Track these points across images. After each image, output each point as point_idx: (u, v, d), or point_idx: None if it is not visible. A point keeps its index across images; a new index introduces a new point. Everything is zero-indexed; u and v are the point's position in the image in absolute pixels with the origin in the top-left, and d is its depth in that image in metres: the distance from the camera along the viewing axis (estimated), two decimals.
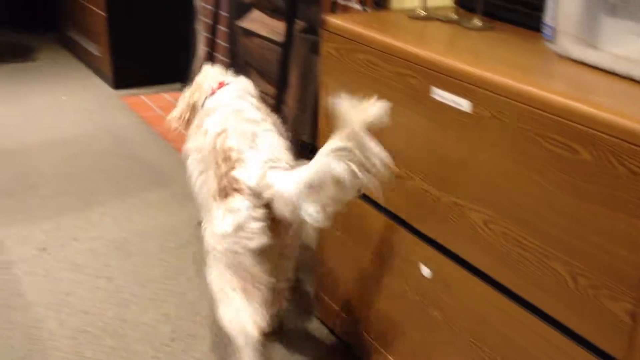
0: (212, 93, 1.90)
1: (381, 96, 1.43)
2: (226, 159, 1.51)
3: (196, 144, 1.72)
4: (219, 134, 1.57)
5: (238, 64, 3.29)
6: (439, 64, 1.28)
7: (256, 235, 1.44)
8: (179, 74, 3.67)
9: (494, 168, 1.20)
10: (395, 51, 1.38)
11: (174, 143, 3.03)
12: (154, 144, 3.03)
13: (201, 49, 3.53)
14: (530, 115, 1.10)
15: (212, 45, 3.39)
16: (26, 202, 2.48)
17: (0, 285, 1.99)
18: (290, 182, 1.36)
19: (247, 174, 1.45)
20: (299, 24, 2.75)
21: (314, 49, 2.71)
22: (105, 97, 3.59)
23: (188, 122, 1.95)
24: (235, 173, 1.46)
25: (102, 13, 3.60)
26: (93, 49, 3.86)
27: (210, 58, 3.42)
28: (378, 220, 1.53)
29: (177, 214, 2.44)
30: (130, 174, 2.74)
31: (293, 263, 1.65)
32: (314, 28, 2.72)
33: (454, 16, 1.55)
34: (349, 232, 1.65)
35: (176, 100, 3.58)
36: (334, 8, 2.48)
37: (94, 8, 3.70)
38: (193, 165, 1.73)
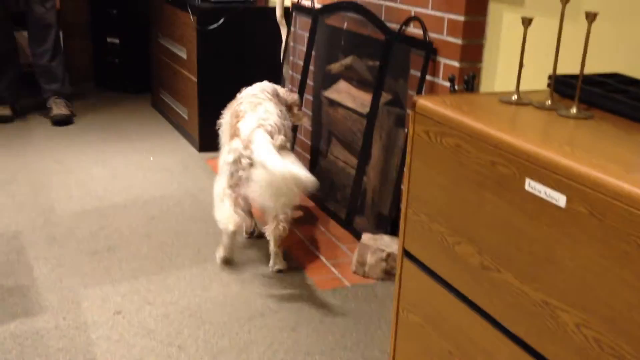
0: (239, 91, 2.68)
1: (470, 183, 1.37)
2: (236, 116, 2.40)
3: (226, 119, 2.60)
4: (237, 105, 2.48)
5: (322, 134, 3.29)
6: (534, 155, 1.21)
7: (245, 168, 2.26)
8: None
9: (589, 268, 1.11)
10: (487, 138, 1.33)
11: (253, 209, 3.04)
12: None
13: None
14: (631, 217, 1.02)
15: None
16: (105, 263, 2.52)
17: (74, 348, 2.00)
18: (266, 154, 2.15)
19: (244, 126, 2.32)
20: (385, 97, 2.74)
21: (399, 121, 2.68)
22: (191, 159, 3.66)
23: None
24: (238, 124, 2.35)
25: (194, 78, 3.71)
26: (182, 111, 3.97)
27: (294, 126, 3.44)
28: (460, 311, 1.45)
29: (250, 283, 2.41)
30: (208, 239, 2.75)
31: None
32: (400, 101, 2.69)
33: (549, 102, 1.48)
34: (429, 319, 1.57)
35: None
36: (421, 83, 2.45)
37: (187, 73, 3.82)
38: (223, 129, 2.62)
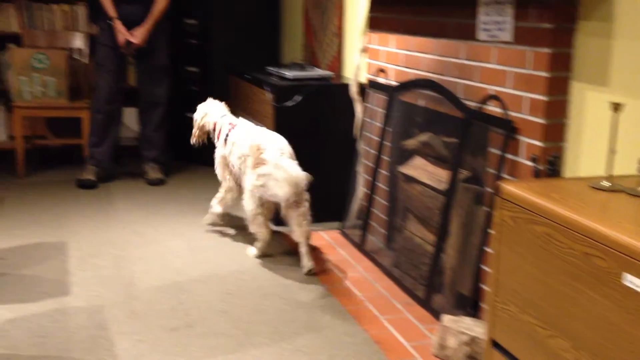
0: (233, 127, 3.49)
1: (563, 274, 1.32)
2: (258, 149, 3.16)
3: (228, 151, 3.45)
4: (253, 141, 3.23)
5: (397, 209, 3.28)
6: (632, 248, 1.17)
7: (270, 189, 3.05)
8: (336, 213, 3.73)
9: None
10: (580, 228, 1.29)
11: (329, 286, 3.02)
12: (308, 285, 3.03)
13: (360, 190, 3.58)
14: None
15: (371, 188, 3.43)
16: (185, 340, 2.53)
17: None
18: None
19: (270, 155, 3.10)
20: (463, 173, 2.71)
21: (478, 199, 2.64)
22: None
23: (198, 138, 3.70)
24: (262, 155, 3.13)
25: None
26: None
27: (369, 200, 3.44)
28: None
29: None
30: (284, 316, 2.73)
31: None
32: (478, 178, 2.66)
33: None
34: None
35: (332, 239, 3.62)
36: (501, 162, 2.42)
37: None
38: (221, 160, 3.55)
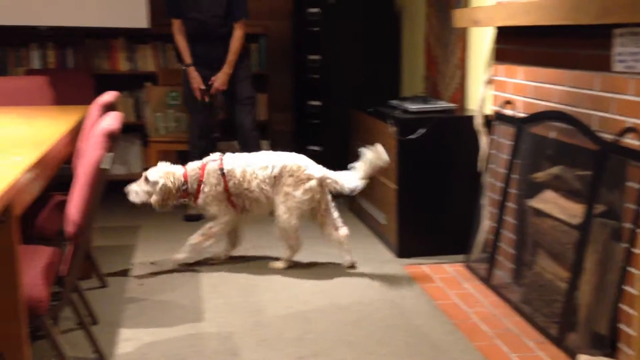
0: (220, 164, 3.57)
1: None
2: (299, 169, 3.54)
3: (232, 183, 3.54)
4: (287, 163, 3.55)
5: (526, 244, 3.19)
6: None
7: (315, 199, 3.55)
8: (461, 246, 3.68)
9: None
10: None
11: (456, 320, 2.98)
12: (433, 318, 3.00)
13: (486, 223, 3.52)
14: None
15: (498, 221, 3.36)
16: None
17: None
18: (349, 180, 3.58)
19: (314, 171, 3.57)
20: (598, 208, 2.62)
21: (615, 235, 2.54)
22: (388, 265, 3.70)
23: (164, 203, 3.54)
24: (306, 172, 3.54)
25: (393, 185, 3.80)
26: (380, 217, 4.06)
27: (496, 234, 3.38)
28: None
29: None
30: (409, 349, 2.72)
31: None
32: (615, 213, 2.56)
33: None
34: None
35: (457, 272, 3.58)
36: None
37: (386, 181, 3.92)
38: (216, 197, 3.57)
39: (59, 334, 2.26)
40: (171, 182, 3.48)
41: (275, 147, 5.20)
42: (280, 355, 2.68)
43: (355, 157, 4.51)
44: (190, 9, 4.33)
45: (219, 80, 4.41)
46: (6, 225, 1.82)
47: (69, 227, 2.07)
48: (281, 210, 3.53)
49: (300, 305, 3.16)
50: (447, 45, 4.24)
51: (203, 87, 4.42)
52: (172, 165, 3.58)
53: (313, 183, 3.53)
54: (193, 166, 3.58)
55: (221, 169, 3.52)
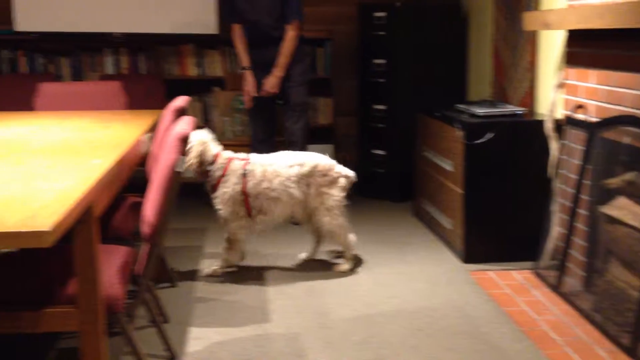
0: (245, 164, 3.50)
1: None
2: (331, 169, 3.56)
3: (252, 184, 3.47)
4: (318, 163, 3.55)
5: (598, 251, 3.12)
6: None
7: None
8: (529, 252, 3.62)
9: None
10: None
11: (524, 328, 2.93)
12: (501, 325, 2.97)
13: (555, 230, 3.45)
14: None
15: (569, 227, 3.30)
16: None
17: None
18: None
19: (341, 168, 3.62)
20: None
21: None
22: (454, 271, 3.67)
23: (197, 169, 3.45)
24: (336, 169, 3.59)
25: (459, 190, 3.77)
26: (445, 222, 4.03)
27: (567, 241, 3.31)
28: None
29: None
30: (476, 356, 2.69)
31: None
32: None
33: None
34: None
35: (525, 279, 3.52)
36: None
37: (452, 185, 3.90)
38: (233, 196, 3.47)
39: (133, 331, 2.33)
40: (199, 153, 3.40)
41: (339, 151, 5.25)
42: (346, 358, 2.70)
43: (420, 161, 4.51)
44: (246, 13, 4.36)
45: (269, 82, 4.37)
46: (87, 226, 1.90)
47: (145, 228, 2.14)
48: (322, 213, 3.54)
49: (365, 309, 3.17)
50: (516, 48, 4.18)
51: (255, 93, 4.41)
52: (212, 138, 3.51)
53: (344, 181, 3.58)
54: (225, 155, 3.50)
55: (244, 170, 3.46)
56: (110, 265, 2.22)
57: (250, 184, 3.44)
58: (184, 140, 2.18)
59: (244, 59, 4.44)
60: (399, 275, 3.61)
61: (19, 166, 2.24)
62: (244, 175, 3.44)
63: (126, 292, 2.19)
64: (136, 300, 2.27)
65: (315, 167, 3.51)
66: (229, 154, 3.51)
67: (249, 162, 3.48)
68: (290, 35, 4.34)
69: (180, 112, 2.92)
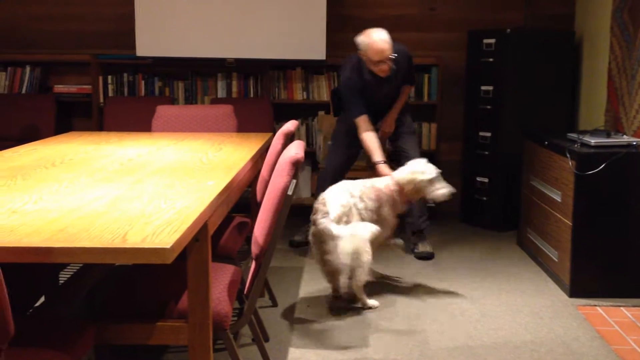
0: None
1: None
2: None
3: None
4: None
5: None
6: None
7: None
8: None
9: None
10: None
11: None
12: None
13: None
14: None
15: None
16: None
17: None
18: None
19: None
20: None
21: None
22: (560, 305, 3.55)
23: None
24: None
25: (568, 222, 3.66)
26: (552, 253, 3.92)
27: None
28: None
29: None
30: None
31: None
32: None
33: None
34: None
35: (636, 317, 3.35)
36: None
37: (560, 216, 3.78)
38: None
39: (237, 348, 2.40)
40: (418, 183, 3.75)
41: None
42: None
43: (527, 190, 4.41)
44: (368, 100, 4.19)
45: (386, 123, 4.38)
46: (201, 244, 1.98)
47: (254, 249, 2.21)
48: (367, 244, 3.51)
49: (466, 339, 3.12)
50: (634, 76, 4.03)
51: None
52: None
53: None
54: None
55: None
56: (219, 283, 2.30)
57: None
58: (296, 164, 2.24)
59: (379, 152, 4.03)
60: (502, 307, 3.53)
61: (139, 185, 2.37)
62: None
63: (232, 310, 2.26)
64: (243, 318, 2.34)
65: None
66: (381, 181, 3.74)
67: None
68: (406, 92, 4.42)
69: (290, 136, 3.00)
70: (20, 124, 5.20)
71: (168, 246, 1.63)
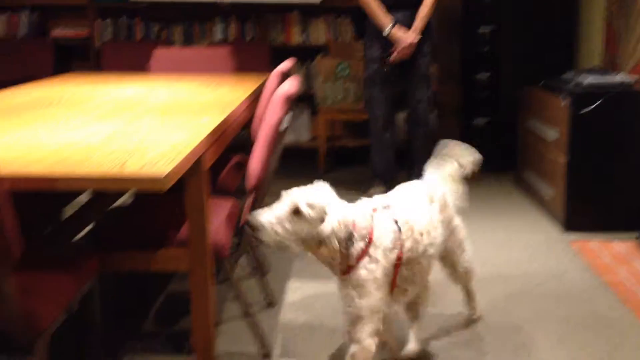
0: (392, 212, 2.13)
1: None
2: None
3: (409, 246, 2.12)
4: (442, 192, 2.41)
5: None
6: None
7: None
8: (633, 223, 3.53)
9: None
10: None
11: (622, 296, 2.89)
12: (599, 293, 2.93)
13: None
14: None
15: None
16: (468, 332, 2.63)
17: None
18: None
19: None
20: None
21: None
22: (553, 240, 3.62)
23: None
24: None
25: (563, 159, 3.71)
26: (547, 190, 3.98)
27: None
28: None
29: None
30: (570, 321, 2.69)
31: None
32: None
33: None
34: None
35: (628, 249, 3.43)
36: None
37: (555, 153, 3.83)
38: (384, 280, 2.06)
39: (237, 277, 2.49)
40: (341, 234, 1.98)
41: (441, 118, 5.24)
42: (445, 314, 2.75)
43: (524, 130, 4.44)
44: None
45: (407, 35, 3.96)
46: (197, 176, 2.04)
47: (251, 180, 2.26)
48: (458, 252, 2.55)
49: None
50: (631, 16, 4.02)
51: (408, 50, 3.99)
52: (329, 190, 2.04)
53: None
54: (363, 211, 2.06)
55: (396, 222, 2.09)
56: (218, 215, 2.37)
57: (408, 245, 2.10)
58: (290, 99, 2.28)
59: (386, 18, 3.92)
60: (497, 242, 3.61)
61: (136, 121, 2.41)
62: (399, 231, 2.08)
63: (231, 240, 2.33)
64: (240, 248, 2.42)
65: (444, 195, 2.43)
66: (366, 206, 2.10)
67: (391, 207, 2.14)
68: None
69: (286, 76, 3.03)
70: (18, 69, 5.21)
71: (164, 174, 1.68)
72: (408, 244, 2.08)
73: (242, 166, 3.29)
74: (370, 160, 4.39)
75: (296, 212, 1.92)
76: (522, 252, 3.47)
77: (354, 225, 1.99)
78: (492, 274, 3.19)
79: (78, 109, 2.64)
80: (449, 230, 2.42)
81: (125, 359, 2.41)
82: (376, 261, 2.01)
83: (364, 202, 2.11)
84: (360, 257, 2.00)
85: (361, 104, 4.73)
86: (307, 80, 5.45)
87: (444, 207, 2.37)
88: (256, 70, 4.26)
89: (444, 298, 2.86)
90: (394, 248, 2.04)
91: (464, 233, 2.55)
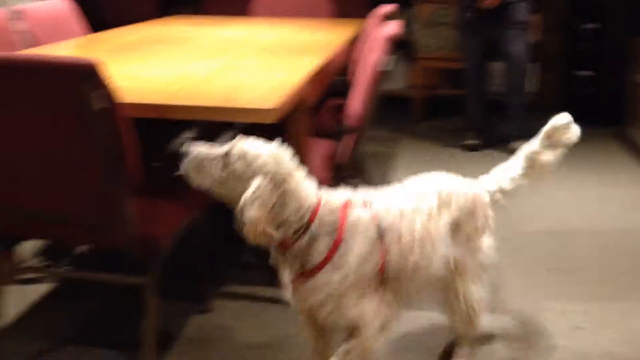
0: (375, 213, 1.69)
1: None
2: (480, 199, 1.99)
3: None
4: (467, 193, 1.92)
5: None
6: None
7: None
8: None
9: None
10: None
11: None
12: None
13: None
14: None
15: None
16: (564, 281, 2.63)
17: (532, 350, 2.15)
18: None
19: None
20: None
21: None
22: None
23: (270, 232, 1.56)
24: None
25: None
26: None
27: None
28: None
29: None
30: None
31: None
32: None
33: None
34: None
35: None
36: None
37: None
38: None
39: None
40: (269, 199, 1.56)
41: (543, 70, 5.06)
42: (531, 264, 2.76)
43: (631, 84, 4.25)
44: None
45: None
46: (301, 114, 2.10)
47: (350, 120, 2.31)
48: (469, 276, 1.91)
49: (555, 224, 3.18)
50: None
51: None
52: (296, 163, 1.68)
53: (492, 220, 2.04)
54: (333, 200, 1.68)
55: (378, 225, 1.69)
56: (317, 154, 2.43)
57: (393, 252, 1.70)
58: (391, 40, 2.29)
59: None
60: (595, 197, 3.53)
61: (240, 60, 2.50)
62: (381, 235, 1.68)
63: (330, 178, 2.40)
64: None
65: (471, 200, 1.93)
66: (339, 196, 1.70)
67: (374, 205, 1.72)
68: None
69: (387, 18, 3.02)
70: (126, 11, 5.39)
71: (274, 107, 1.76)
72: (393, 256, 1.68)
73: (339, 109, 3.35)
74: (466, 110, 4.35)
75: (226, 156, 1.55)
76: (622, 207, 3.39)
77: (314, 211, 1.59)
78: (593, 228, 3.14)
79: (185, 47, 2.76)
80: (467, 250, 1.87)
81: (227, 286, 2.54)
82: (341, 271, 1.59)
83: (337, 192, 1.71)
84: (322, 262, 1.59)
85: (458, 52, 4.63)
86: (406, 27, 5.37)
87: (469, 215, 1.88)
88: (356, 15, 4.26)
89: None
90: (371, 252, 1.64)
91: (491, 260, 1.96)
